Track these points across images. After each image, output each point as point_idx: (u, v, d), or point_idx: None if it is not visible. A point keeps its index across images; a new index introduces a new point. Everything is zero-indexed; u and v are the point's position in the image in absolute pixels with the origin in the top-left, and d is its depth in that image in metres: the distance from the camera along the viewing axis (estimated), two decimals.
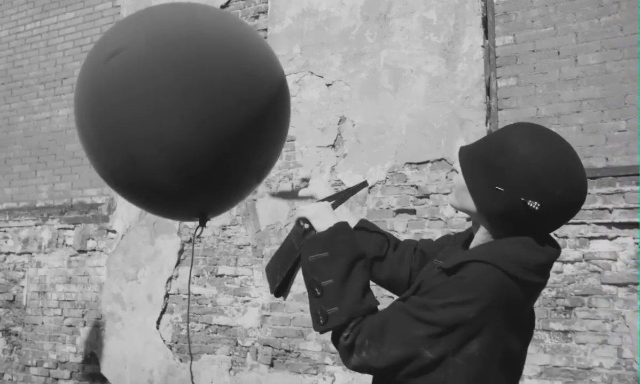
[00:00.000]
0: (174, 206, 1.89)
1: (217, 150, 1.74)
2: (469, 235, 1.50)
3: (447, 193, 4.36)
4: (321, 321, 1.33)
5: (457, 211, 4.05)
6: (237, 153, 1.79)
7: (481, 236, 1.40)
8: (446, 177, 4.42)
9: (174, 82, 1.66)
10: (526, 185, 1.26)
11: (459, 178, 1.41)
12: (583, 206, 4.00)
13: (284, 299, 1.57)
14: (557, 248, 1.34)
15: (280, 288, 1.56)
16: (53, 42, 6.80)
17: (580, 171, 1.29)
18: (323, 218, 1.47)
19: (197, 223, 1.94)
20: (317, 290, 1.35)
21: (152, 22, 1.79)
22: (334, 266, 1.35)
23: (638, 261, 3.85)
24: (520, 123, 1.39)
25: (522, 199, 1.26)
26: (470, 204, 1.38)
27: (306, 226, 1.51)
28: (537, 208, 1.25)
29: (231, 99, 1.72)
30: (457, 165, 1.41)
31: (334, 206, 1.60)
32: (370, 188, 4.72)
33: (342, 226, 1.43)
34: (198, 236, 1.83)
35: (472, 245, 1.43)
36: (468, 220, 3.63)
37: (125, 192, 1.90)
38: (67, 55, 6.68)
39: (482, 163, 1.34)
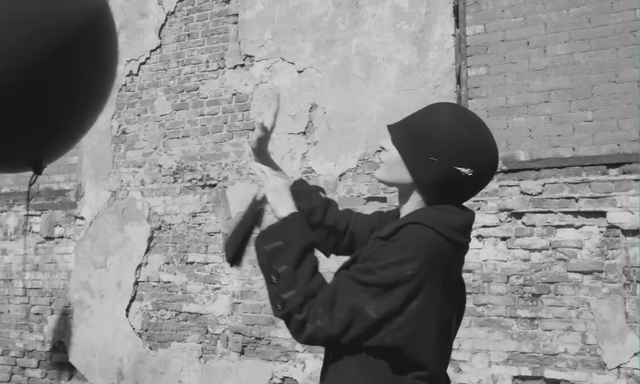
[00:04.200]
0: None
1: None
2: (398, 212, 1.60)
3: None
4: (279, 306, 1.41)
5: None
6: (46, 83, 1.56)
7: (412, 206, 1.50)
8: None
9: None
10: (459, 155, 1.40)
11: (390, 154, 1.51)
12: (550, 195, 4.07)
13: (238, 267, 1.65)
14: (472, 212, 1.49)
15: (235, 257, 1.66)
16: None
17: (494, 143, 1.47)
18: (279, 198, 1.56)
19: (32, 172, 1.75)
20: (273, 277, 1.43)
21: None
22: (288, 253, 1.43)
23: (602, 250, 3.93)
24: (442, 102, 1.53)
25: (456, 167, 1.39)
26: (404, 176, 1.48)
27: (260, 196, 1.62)
28: (470, 174, 1.40)
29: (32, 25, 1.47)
30: (384, 143, 1.52)
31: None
32: (341, 175, 4.74)
33: (294, 217, 1.52)
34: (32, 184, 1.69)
35: (402, 215, 1.52)
36: None
37: None
38: None
39: (416, 137, 1.45)
